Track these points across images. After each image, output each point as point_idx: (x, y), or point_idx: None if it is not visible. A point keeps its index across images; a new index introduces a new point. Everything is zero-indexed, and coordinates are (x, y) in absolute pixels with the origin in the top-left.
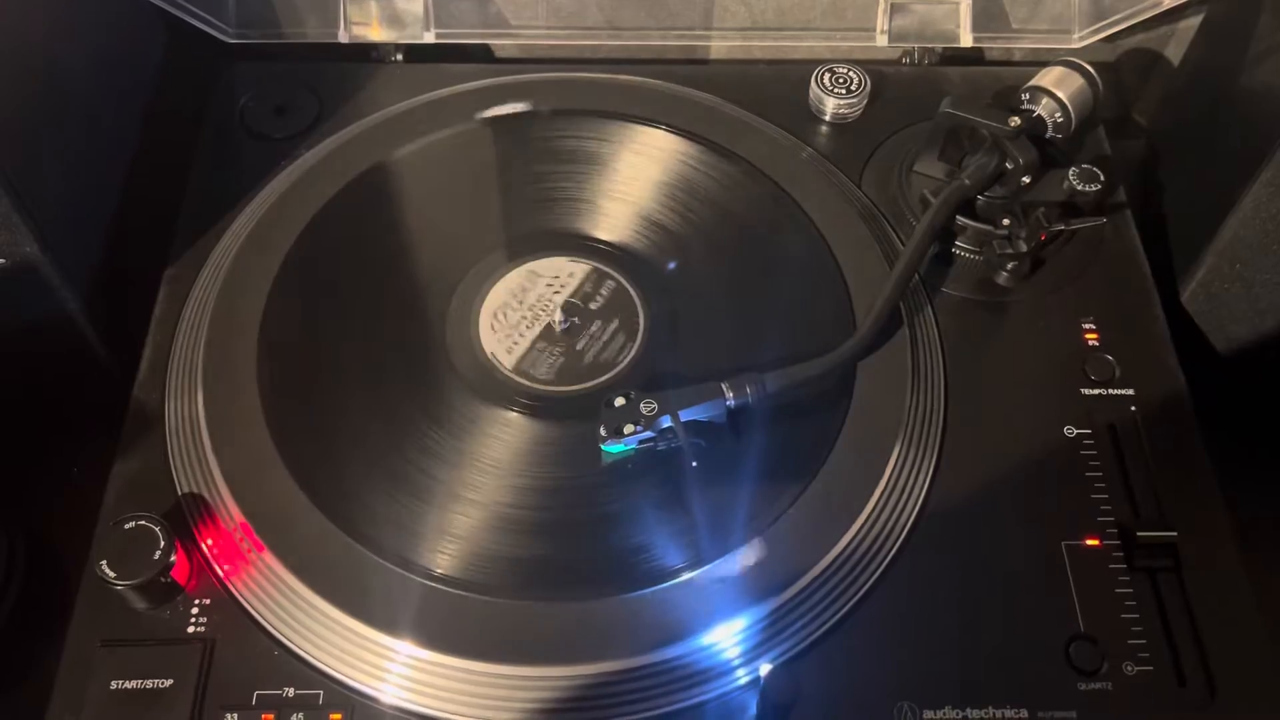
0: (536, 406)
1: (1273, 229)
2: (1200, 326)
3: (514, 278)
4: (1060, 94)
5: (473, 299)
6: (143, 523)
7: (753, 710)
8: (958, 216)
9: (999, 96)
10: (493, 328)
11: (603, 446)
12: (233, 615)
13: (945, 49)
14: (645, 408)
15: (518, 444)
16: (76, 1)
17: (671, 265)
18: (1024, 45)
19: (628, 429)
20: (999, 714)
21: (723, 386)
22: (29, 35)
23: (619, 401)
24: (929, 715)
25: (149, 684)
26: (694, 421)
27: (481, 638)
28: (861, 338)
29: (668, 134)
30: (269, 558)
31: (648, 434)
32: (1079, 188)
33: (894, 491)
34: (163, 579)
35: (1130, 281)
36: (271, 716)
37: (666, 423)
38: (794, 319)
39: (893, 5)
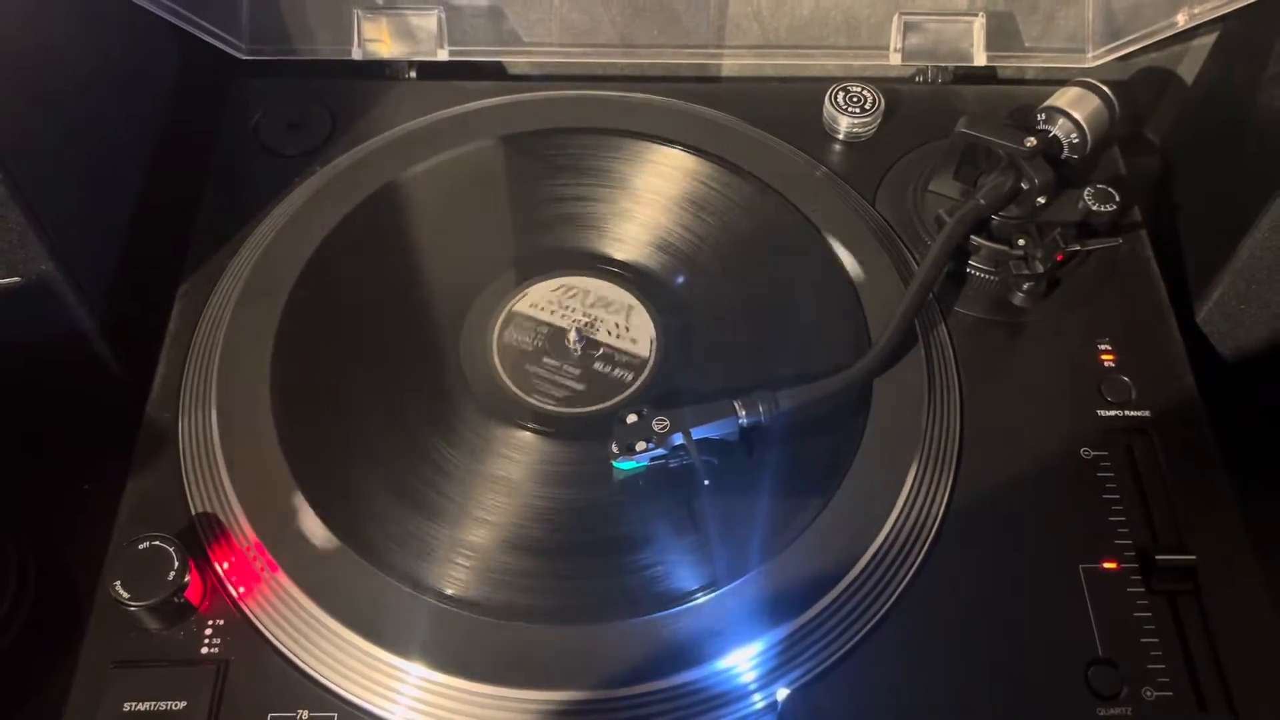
0: (550, 426)
1: None
2: (1217, 347)
3: (528, 296)
4: (1076, 114)
5: (486, 317)
6: (156, 543)
7: None
8: (973, 236)
9: (1015, 116)
10: (506, 346)
11: (614, 463)
12: (246, 636)
13: (959, 68)
14: (657, 425)
15: (531, 464)
16: (90, 18)
17: (680, 279)
18: (1037, 64)
19: (640, 446)
20: None
21: (735, 404)
22: (44, 53)
23: (631, 418)
24: None
25: (162, 705)
26: (707, 439)
27: (495, 661)
28: (875, 356)
29: (681, 152)
30: (282, 578)
31: (660, 451)
32: (1094, 208)
33: (911, 513)
34: (176, 600)
35: (1146, 302)
36: None
37: (679, 440)
38: (808, 338)
39: (906, 24)
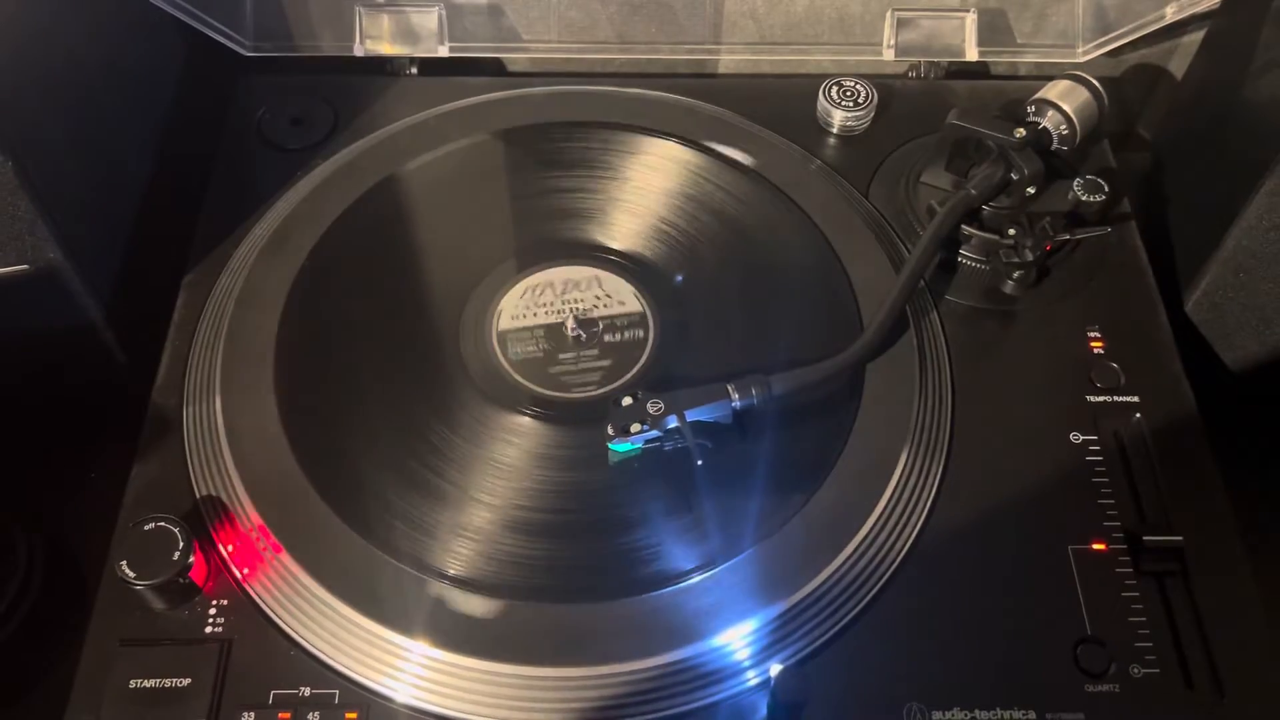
0: (548, 411)
1: (1275, 238)
2: (1204, 335)
3: (526, 285)
4: (1066, 107)
5: (486, 306)
6: (162, 524)
7: (764, 711)
8: (964, 226)
9: (1006, 109)
10: (506, 334)
11: (610, 445)
12: (249, 616)
13: (951, 63)
14: (652, 407)
15: (529, 448)
16: (99, 15)
17: (679, 278)
18: (1029, 60)
19: (634, 428)
20: (1007, 715)
21: (729, 387)
22: (53, 47)
23: (626, 401)
24: (937, 716)
25: (167, 683)
26: (701, 422)
27: (494, 638)
28: (866, 342)
29: (678, 145)
30: (286, 559)
31: (654, 433)
32: (1084, 198)
33: (903, 495)
34: (181, 580)
35: (1135, 291)
36: (288, 715)
37: (673, 423)
38: (801, 327)
39: (899, 20)
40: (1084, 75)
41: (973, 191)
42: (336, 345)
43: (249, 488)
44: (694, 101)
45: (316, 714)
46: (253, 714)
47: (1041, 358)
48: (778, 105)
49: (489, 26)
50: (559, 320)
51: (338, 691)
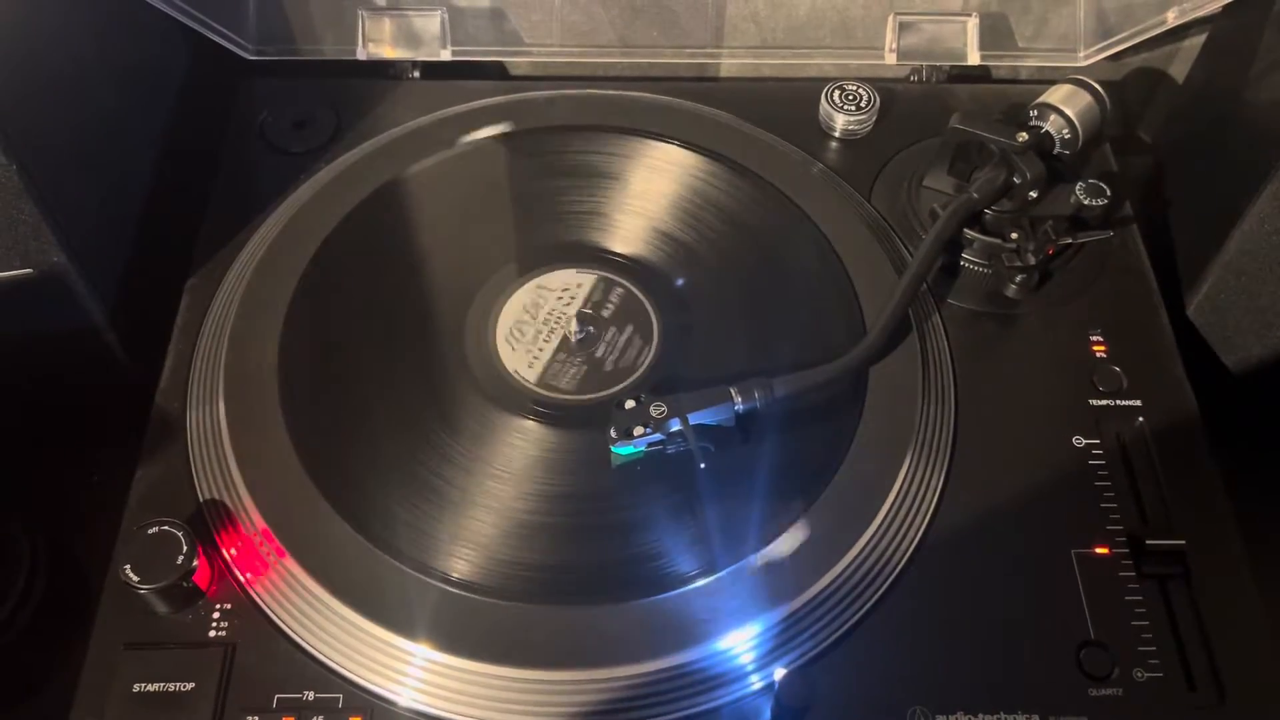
0: (551, 415)
1: (1277, 242)
2: (1206, 338)
3: (530, 289)
4: (1068, 111)
5: (489, 309)
6: (166, 528)
7: (767, 715)
8: (966, 229)
9: (1008, 113)
10: (509, 338)
11: (612, 448)
12: (253, 620)
13: (953, 67)
14: (655, 410)
15: (533, 451)
16: (103, 20)
17: (680, 282)
18: (1030, 64)
19: (637, 431)
20: (1010, 719)
21: (732, 390)
22: (57, 51)
23: (629, 404)
24: None
25: (171, 687)
26: (703, 425)
27: (498, 642)
28: (868, 346)
29: (681, 149)
30: (290, 563)
31: (657, 436)
32: (1086, 202)
33: (906, 499)
34: (185, 583)
35: (1137, 294)
36: (292, 719)
37: (676, 426)
38: (804, 330)
39: (901, 24)
40: (1086, 79)
41: (975, 195)
42: (340, 349)
43: (252, 491)
44: (696, 105)
45: (320, 718)
46: (256, 718)
47: (1044, 361)
48: (780, 109)
49: (491, 30)
50: (562, 323)
51: (341, 696)
